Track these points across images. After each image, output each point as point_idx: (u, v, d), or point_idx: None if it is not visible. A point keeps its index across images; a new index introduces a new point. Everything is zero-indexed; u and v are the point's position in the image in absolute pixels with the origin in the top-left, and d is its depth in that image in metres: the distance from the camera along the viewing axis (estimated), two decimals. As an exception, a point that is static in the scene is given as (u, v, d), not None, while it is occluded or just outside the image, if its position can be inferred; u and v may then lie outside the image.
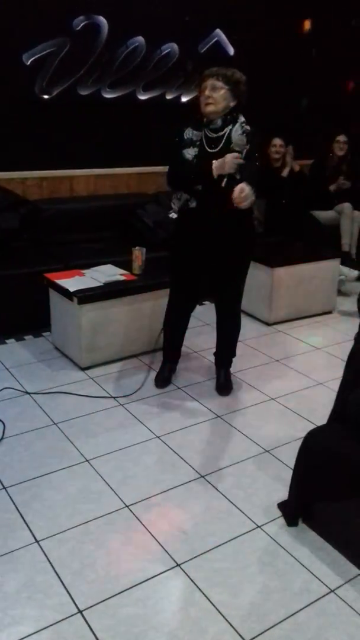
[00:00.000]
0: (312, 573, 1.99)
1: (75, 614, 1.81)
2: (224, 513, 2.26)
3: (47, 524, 2.18)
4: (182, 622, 1.79)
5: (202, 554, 2.06)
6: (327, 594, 1.91)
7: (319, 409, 3.00)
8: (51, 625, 1.77)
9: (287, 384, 3.32)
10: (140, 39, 4.52)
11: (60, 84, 4.31)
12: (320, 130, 5.57)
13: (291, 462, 2.26)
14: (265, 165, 4.95)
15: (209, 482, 2.44)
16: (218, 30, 4.87)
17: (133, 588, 1.91)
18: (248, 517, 2.24)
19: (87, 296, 3.28)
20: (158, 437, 2.77)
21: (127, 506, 2.29)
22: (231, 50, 4.97)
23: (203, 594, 1.89)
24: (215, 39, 4.88)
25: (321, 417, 2.75)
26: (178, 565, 2.01)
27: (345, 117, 5.75)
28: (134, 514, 2.24)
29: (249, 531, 2.17)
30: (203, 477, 2.48)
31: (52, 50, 4.20)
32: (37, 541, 2.10)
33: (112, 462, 2.56)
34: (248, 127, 2.78)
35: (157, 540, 2.11)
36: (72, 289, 3.30)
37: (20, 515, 2.23)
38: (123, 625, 1.77)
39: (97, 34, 4.34)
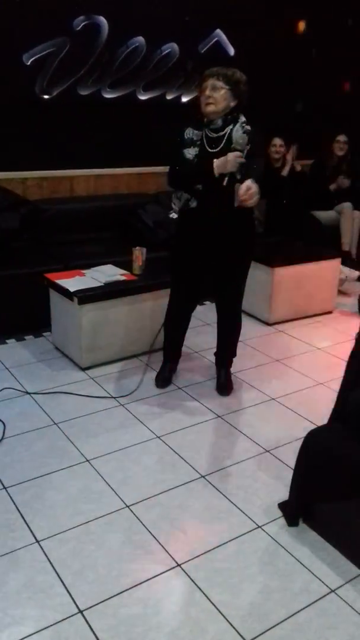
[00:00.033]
0: (312, 573, 1.99)
1: (75, 614, 1.81)
2: (224, 513, 2.26)
3: (48, 524, 2.18)
4: (182, 622, 1.79)
5: (202, 554, 2.06)
6: (327, 594, 1.91)
7: (320, 409, 3.00)
8: (52, 625, 1.77)
9: (288, 384, 3.32)
10: (140, 39, 4.52)
11: (60, 84, 4.31)
12: (320, 130, 5.57)
13: (292, 462, 2.26)
14: (265, 165, 4.95)
15: (210, 482, 2.44)
16: (218, 31, 4.87)
17: (134, 588, 1.91)
18: (248, 517, 2.24)
19: (87, 296, 3.28)
20: (158, 437, 2.77)
21: (127, 506, 2.29)
22: (231, 51, 4.97)
23: (203, 594, 1.89)
24: (216, 39, 4.88)
25: (322, 417, 2.75)
26: (178, 565, 2.01)
27: (344, 117, 5.75)
28: (134, 514, 2.24)
29: (250, 531, 2.17)
30: (203, 477, 2.48)
31: (52, 51, 4.20)
32: (37, 541, 2.10)
33: (113, 462, 2.56)
34: (249, 127, 2.78)
35: (157, 540, 2.12)
36: (72, 289, 3.30)
37: (21, 515, 2.23)
38: (123, 626, 1.77)
39: (97, 34, 4.34)
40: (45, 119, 4.33)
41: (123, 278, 3.52)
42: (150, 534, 2.15)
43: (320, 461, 2.06)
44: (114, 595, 1.88)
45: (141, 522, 2.20)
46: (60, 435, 2.76)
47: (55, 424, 2.85)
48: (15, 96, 4.17)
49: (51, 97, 4.32)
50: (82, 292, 3.29)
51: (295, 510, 2.20)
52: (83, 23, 4.26)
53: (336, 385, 2.35)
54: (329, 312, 4.44)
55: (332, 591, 1.92)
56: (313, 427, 2.32)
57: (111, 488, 2.39)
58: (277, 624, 1.79)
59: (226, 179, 2.74)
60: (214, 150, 2.78)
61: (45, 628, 1.76)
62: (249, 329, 3.93)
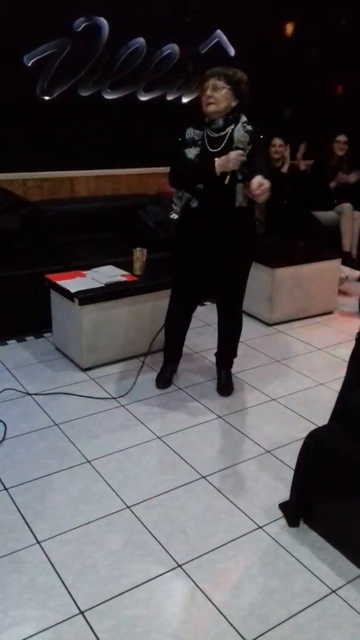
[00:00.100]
0: (313, 573, 1.99)
1: (76, 614, 1.81)
2: (225, 514, 2.26)
3: (49, 525, 2.19)
4: (183, 622, 1.79)
5: (203, 554, 2.06)
6: (328, 594, 1.91)
7: (320, 409, 3.00)
8: (52, 626, 1.77)
9: (288, 385, 3.32)
10: (141, 40, 4.52)
11: (61, 85, 4.32)
12: (320, 130, 5.58)
13: (292, 462, 2.26)
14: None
15: (210, 483, 2.44)
16: (219, 31, 4.87)
17: (134, 589, 1.91)
18: (249, 518, 2.24)
19: (88, 297, 3.29)
20: (159, 437, 2.77)
21: (128, 507, 2.29)
22: (232, 51, 4.97)
23: (204, 594, 1.90)
24: (216, 39, 4.89)
25: (322, 417, 2.75)
26: (179, 566, 2.01)
27: (344, 117, 5.75)
28: (135, 515, 2.25)
29: (250, 532, 2.17)
30: (204, 477, 2.48)
31: (53, 52, 4.21)
32: (38, 542, 2.10)
33: (113, 463, 2.56)
34: (250, 127, 2.78)
35: (158, 541, 2.12)
36: (73, 290, 3.30)
37: (22, 516, 2.23)
38: (124, 626, 1.77)
39: (98, 35, 4.35)
40: (46, 120, 4.33)
41: (124, 279, 3.52)
42: (151, 534, 2.15)
43: (321, 461, 2.06)
44: (115, 596, 1.88)
45: (142, 523, 2.21)
46: (61, 436, 2.76)
47: (56, 424, 2.86)
48: (16, 97, 4.18)
49: (52, 98, 4.33)
50: (83, 293, 3.30)
51: (295, 510, 2.20)
52: (84, 24, 4.27)
53: (337, 386, 2.35)
54: (330, 313, 4.44)
55: (333, 591, 1.92)
56: (313, 427, 2.32)
57: (112, 489, 2.39)
58: (278, 625, 1.79)
59: (228, 177, 2.74)
60: (215, 150, 2.78)
61: (46, 629, 1.76)
62: (249, 329, 3.93)
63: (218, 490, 2.40)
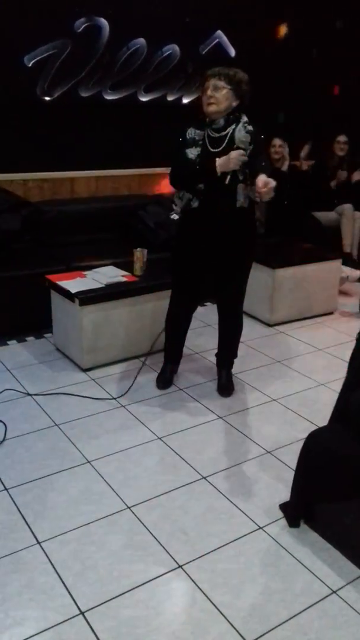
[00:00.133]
0: (313, 574, 1.99)
1: (77, 615, 1.81)
2: (225, 514, 2.26)
3: (49, 525, 2.18)
4: (184, 623, 1.79)
5: (203, 555, 2.06)
6: (329, 595, 1.91)
7: (321, 410, 3.00)
8: (53, 626, 1.77)
9: (289, 385, 3.32)
10: (141, 40, 4.53)
11: (61, 86, 4.32)
12: (319, 130, 5.58)
13: (293, 463, 2.26)
14: None
15: (211, 483, 2.44)
16: (219, 32, 4.87)
17: (135, 589, 1.91)
18: (250, 518, 2.24)
19: (88, 297, 3.29)
20: (159, 438, 2.77)
21: (128, 507, 2.29)
22: (232, 52, 4.98)
23: (205, 595, 1.89)
24: (217, 40, 4.89)
25: (323, 418, 2.75)
26: (180, 566, 2.01)
27: (345, 117, 5.75)
28: (135, 515, 2.25)
29: (251, 532, 2.17)
30: (204, 478, 2.48)
31: (54, 52, 4.21)
32: (38, 542, 2.10)
33: (114, 464, 2.56)
34: (251, 127, 2.78)
35: (158, 542, 2.11)
36: (73, 291, 3.31)
37: (22, 516, 2.23)
38: (125, 627, 1.77)
39: (98, 36, 4.35)
40: (46, 120, 4.34)
41: (124, 279, 3.52)
42: (151, 535, 2.15)
43: (322, 462, 2.06)
44: (115, 597, 1.88)
45: (142, 524, 2.20)
46: (61, 437, 2.76)
47: (56, 425, 2.86)
48: (16, 98, 4.18)
49: (52, 99, 4.33)
50: (83, 293, 3.30)
51: (296, 511, 2.20)
52: (84, 25, 4.27)
53: (337, 386, 2.35)
54: (330, 313, 4.44)
55: (334, 592, 1.92)
56: (314, 428, 2.33)
57: (112, 489, 2.39)
58: (279, 625, 1.79)
59: (228, 177, 2.74)
60: (216, 150, 2.78)
61: (47, 629, 1.76)
62: (250, 330, 3.93)
63: (218, 490, 2.40)
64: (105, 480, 2.44)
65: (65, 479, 2.45)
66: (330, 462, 2.04)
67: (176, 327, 3.21)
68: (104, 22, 4.33)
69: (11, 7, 3.99)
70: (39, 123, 4.32)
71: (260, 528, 2.19)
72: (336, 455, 2.03)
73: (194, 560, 2.03)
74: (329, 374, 3.45)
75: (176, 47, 4.69)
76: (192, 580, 1.95)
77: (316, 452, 2.08)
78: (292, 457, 2.50)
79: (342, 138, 5.45)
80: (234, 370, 3.31)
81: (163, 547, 2.09)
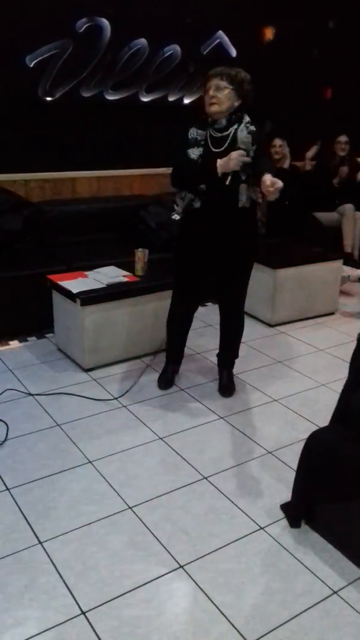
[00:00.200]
0: (315, 574, 1.99)
1: (78, 615, 1.81)
2: (226, 514, 2.27)
3: (51, 525, 2.19)
4: (185, 623, 1.80)
5: (205, 555, 2.06)
6: (330, 595, 1.91)
7: (322, 410, 3.00)
8: (54, 626, 1.77)
9: (290, 386, 3.32)
10: (142, 40, 4.53)
11: (63, 86, 4.33)
12: (320, 131, 5.58)
13: (294, 463, 2.26)
14: None
15: (212, 484, 2.45)
16: (220, 32, 4.87)
17: (136, 589, 1.91)
18: (251, 519, 2.24)
19: (90, 298, 3.29)
20: (161, 438, 2.77)
21: (130, 507, 2.29)
22: (233, 52, 4.98)
23: (206, 595, 1.90)
24: (218, 40, 4.89)
25: (324, 418, 2.75)
26: (181, 566, 2.01)
27: (345, 117, 5.75)
28: (137, 516, 2.25)
29: (252, 532, 2.17)
30: (206, 478, 2.48)
31: (55, 52, 4.21)
32: (40, 542, 2.10)
33: (115, 464, 2.56)
34: (253, 127, 2.78)
35: (160, 542, 2.12)
36: (75, 291, 3.31)
37: (24, 516, 2.23)
38: (126, 627, 1.78)
39: (100, 36, 4.35)
40: (47, 120, 4.34)
41: (125, 279, 3.52)
42: (152, 535, 2.15)
43: (323, 462, 2.06)
44: (117, 597, 1.88)
45: (144, 524, 2.21)
46: (63, 437, 2.76)
47: (58, 425, 2.86)
48: (18, 98, 4.18)
49: (54, 99, 4.34)
50: (85, 293, 3.30)
51: (297, 511, 2.20)
52: (86, 25, 4.27)
53: (338, 387, 2.35)
54: (332, 314, 4.44)
55: (335, 592, 1.92)
56: (315, 428, 2.33)
57: (114, 489, 2.40)
58: (280, 626, 1.79)
59: (229, 178, 2.74)
60: (218, 150, 2.78)
61: (48, 629, 1.76)
62: (251, 330, 3.93)
63: (220, 491, 2.40)
64: (106, 481, 2.45)
65: (66, 479, 2.45)
66: (331, 462, 2.05)
67: (177, 327, 3.21)
68: (105, 22, 4.33)
69: (13, 7, 3.99)
70: (41, 123, 4.32)
71: (261, 528, 2.20)
72: (337, 455, 2.04)
73: (195, 560, 2.04)
74: (330, 374, 3.45)
75: (177, 48, 4.69)
76: (193, 581, 1.95)
77: (317, 453, 2.09)
78: (293, 457, 2.50)
79: (342, 138, 5.46)
80: (235, 371, 3.31)
81: (164, 547, 2.09)
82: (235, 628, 1.78)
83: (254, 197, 2.85)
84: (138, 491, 2.39)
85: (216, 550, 2.08)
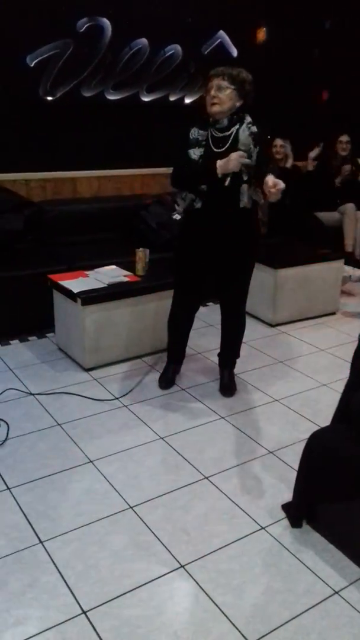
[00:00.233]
0: (316, 574, 1.99)
1: (79, 614, 1.81)
2: (227, 514, 2.26)
3: (51, 524, 2.19)
4: (186, 623, 1.79)
5: (206, 555, 2.06)
6: (331, 595, 1.91)
7: (323, 410, 3.00)
8: (55, 625, 1.77)
9: (291, 386, 3.32)
10: (143, 40, 4.53)
11: (64, 86, 4.33)
12: (319, 130, 5.58)
13: (295, 463, 2.26)
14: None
15: (213, 484, 2.44)
16: (221, 32, 4.87)
17: (137, 589, 1.91)
18: (252, 519, 2.24)
19: (90, 297, 3.29)
20: (162, 438, 2.77)
21: (131, 507, 2.29)
22: (234, 52, 4.97)
23: (207, 595, 1.89)
24: (219, 40, 4.89)
25: (325, 418, 2.75)
26: (182, 566, 2.01)
27: (346, 117, 5.75)
28: (137, 515, 2.25)
29: (253, 532, 2.17)
30: (207, 478, 2.48)
31: (56, 52, 4.21)
32: (41, 542, 2.10)
33: (116, 463, 2.56)
34: (254, 128, 2.78)
35: (160, 542, 2.12)
36: (75, 290, 3.31)
37: (25, 516, 2.23)
38: (127, 626, 1.77)
39: (101, 36, 4.36)
40: (48, 120, 4.34)
41: (126, 279, 3.52)
42: (153, 535, 2.15)
43: (324, 462, 2.06)
44: (118, 596, 1.88)
45: (144, 523, 2.21)
46: (63, 436, 2.76)
47: (58, 424, 2.86)
48: (19, 97, 4.19)
49: (55, 99, 4.34)
50: (86, 293, 3.30)
51: (298, 511, 2.20)
52: (86, 25, 4.27)
53: (340, 387, 2.35)
54: (333, 314, 4.43)
55: (336, 593, 1.92)
56: (316, 428, 2.32)
57: (114, 489, 2.39)
58: (281, 626, 1.79)
59: (228, 179, 2.73)
60: (220, 150, 2.77)
61: (49, 629, 1.76)
62: (252, 330, 3.93)
63: (221, 490, 2.40)
64: (107, 480, 2.45)
65: (67, 479, 2.45)
66: (332, 462, 2.04)
67: (179, 327, 3.21)
68: (106, 22, 4.34)
69: (13, 7, 3.99)
70: (41, 123, 4.32)
71: (262, 528, 2.19)
72: (338, 455, 2.03)
73: (196, 560, 2.03)
74: (331, 374, 3.44)
75: (178, 47, 4.69)
76: (194, 580, 1.95)
77: (318, 453, 2.08)
78: (294, 457, 2.50)
79: (344, 138, 5.46)
80: (236, 371, 3.31)
81: (165, 547, 2.09)
82: (236, 628, 1.78)
83: (256, 198, 2.84)
84: (139, 491, 2.38)
85: (217, 550, 2.08)
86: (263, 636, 1.76)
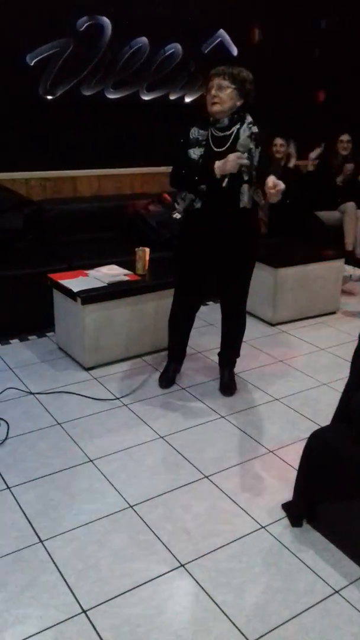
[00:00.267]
0: (316, 574, 1.98)
1: (79, 613, 1.81)
2: (227, 513, 2.26)
3: (51, 524, 2.19)
4: (186, 622, 1.79)
5: (206, 554, 2.06)
6: (331, 594, 1.91)
7: (323, 409, 3.00)
8: (55, 625, 1.77)
9: (291, 385, 3.31)
10: (143, 39, 4.52)
11: (64, 85, 4.33)
12: (319, 130, 5.57)
13: (295, 462, 2.26)
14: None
15: (213, 483, 2.44)
16: (221, 31, 4.87)
17: (137, 588, 1.91)
18: (252, 518, 2.24)
19: (90, 296, 3.29)
20: (162, 437, 2.77)
21: (131, 506, 2.29)
22: (234, 51, 4.97)
23: (207, 594, 1.89)
24: (219, 39, 4.88)
25: (325, 417, 2.75)
26: (182, 565, 2.01)
27: (346, 117, 5.74)
28: (137, 514, 2.24)
29: (253, 532, 2.17)
30: (207, 477, 2.48)
31: (56, 51, 4.21)
32: (41, 541, 2.10)
33: (116, 462, 2.56)
34: (255, 129, 2.77)
35: (161, 541, 2.11)
36: (75, 290, 3.31)
37: (24, 515, 2.23)
38: (127, 625, 1.77)
39: (101, 35, 4.35)
40: (48, 119, 4.34)
41: (126, 278, 3.52)
42: (153, 534, 2.15)
43: (324, 462, 2.06)
44: (118, 595, 1.88)
45: (144, 522, 2.20)
46: (63, 435, 2.76)
47: (58, 424, 2.86)
48: (19, 96, 4.18)
49: (55, 98, 4.33)
50: (86, 292, 3.30)
51: (299, 510, 2.20)
52: (86, 24, 4.27)
53: (340, 386, 2.35)
54: (333, 313, 4.43)
55: (336, 592, 1.92)
56: (317, 427, 2.32)
57: (114, 488, 2.39)
58: (281, 625, 1.79)
59: (226, 180, 2.72)
60: (221, 150, 2.77)
61: (49, 628, 1.76)
62: (252, 329, 3.93)
63: (221, 490, 2.40)
64: (107, 479, 2.44)
65: (67, 478, 2.45)
66: (332, 461, 2.04)
67: (179, 327, 3.21)
68: (106, 21, 4.33)
69: (13, 6, 3.99)
70: (41, 122, 4.32)
71: (262, 527, 2.19)
72: (339, 454, 2.03)
73: (196, 559, 2.03)
74: (331, 373, 3.44)
75: (178, 46, 4.69)
76: (194, 580, 1.95)
77: (318, 452, 2.08)
78: (294, 456, 2.50)
79: (345, 137, 5.45)
80: (236, 370, 3.31)
81: (165, 546, 2.09)
82: (236, 627, 1.78)
83: (257, 199, 2.84)
84: (139, 490, 2.38)
85: (217, 549, 2.08)
86: (263, 635, 1.76)
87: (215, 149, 2.78)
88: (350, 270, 4.70)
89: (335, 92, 5.84)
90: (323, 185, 5.44)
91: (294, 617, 1.82)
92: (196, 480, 2.45)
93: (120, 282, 3.46)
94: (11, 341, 3.78)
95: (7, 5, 3.97)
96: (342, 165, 5.43)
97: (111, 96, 4.56)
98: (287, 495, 2.30)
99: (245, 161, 2.70)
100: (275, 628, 1.78)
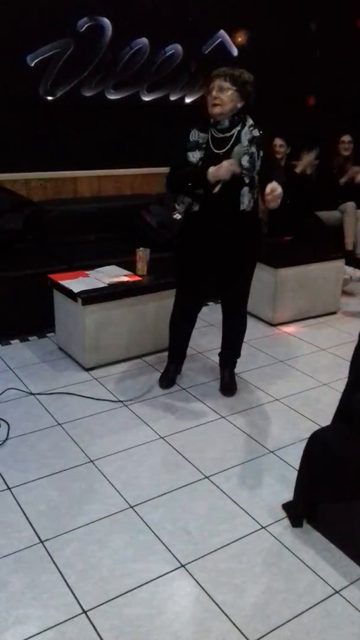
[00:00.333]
0: (316, 574, 1.98)
1: (79, 614, 1.81)
2: (228, 514, 2.26)
3: (52, 524, 2.19)
4: (186, 622, 1.79)
5: (206, 554, 2.06)
6: (331, 595, 1.91)
7: (324, 409, 3.00)
8: (55, 625, 1.77)
9: (292, 385, 3.31)
10: (144, 40, 4.53)
11: (64, 85, 4.33)
12: (317, 130, 5.57)
13: (296, 463, 2.26)
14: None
15: (213, 483, 2.44)
16: (222, 31, 4.87)
17: (137, 588, 1.91)
18: (252, 518, 2.24)
19: (91, 297, 3.29)
20: (162, 437, 2.77)
21: (131, 507, 2.29)
22: (235, 51, 4.97)
23: (207, 594, 1.89)
24: (219, 39, 4.88)
25: (326, 418, 2.75)
26: (182, 565, 2.01)
27: (348, 117, 5.74)
28: (138, 515, 2.24)
29: (254, 532, 2.17)
30: (207, 477, 2.48)
31: (57, 52, 4.21)
32: (41, 541, 2.10)
33: (117, 463, 2.56)
34: (256, 132, 2.76)
35: (161, 541, 2.11)
36: (76, 290, 3.31)
37: (25, 515, 2.23)
38: (127, 626, 1.77)
39: (101, 35, 4.35)
40: (49, 120, 4.34)
41: (127, 279, 3.52)
42: (154, 534, 2.15)
43: (324, 462, 2.06)
44: (118, 596, 1.88)
45: (145, 523, 2.20)
46: (64, 436, 2.76)
47: (59, 424, 2.86)
48: (19, 97, 4.18)
49: (55, 98, 4.33)
50: (86, 292, 3.30)
51: (299, 511, 2.20)
52: (87, 24, 4.27)
53: (340, 386, 2.35)
54: (333, 313, 4.43)
55: (337, 592, 1.92)
56: (317, 427, 2.32)
57: (115, 488, 2.39)
58: (281, 625, 1.79)
59: (218, 186, 2.70)
60: (221, 151, 2.76)
61: (49, 628, 1.76)
62: (252, 329, 3.92)
63: (221, 490, 2.40)
64: (108, 480, 2.44)
65: (68, 478, 2.45)
66: (333, 462, 2.04)
67: (180, 327, 3.21)
68: (106, 21, 4.33)
69: (14, 7, 3.99)
70: (42, 123, 4.32)
71: (263, 528, 2.19)
72: (339, 455, 2.03)
73: (196, 559, 2.03)
74: (331, 373, 3.44)
75: (179, 47, 4.69)
76: (195, 580, 1.95)
77: (319, 452, 2.08)
78: (295, 456, 2.50)
79: (346, 138, 5.45)
80: (236, 370, 3.31)
81: (166, 547, 2.09)
82: (237, 627, 1.78)
83: (259, 204, 2.83)
84: (139, 490, 2.38)
85: (217, 549, 2.08)
86: (263, 635, 1.76)
87: (216, 151, 2.78)
88: (350, 272, 4.70)
89: (336, 92, 5.84)
90: (323, 186, 5.44)
91: (294, 617, 1.82)
92: (196, 481, 2.45)
93: (120, 283, 3.46)
94: (11, 342, 3.79)
95: (7, 6, 3.97)
96: (343, 166, 5.42)
97: (111, 97, 4.56)
98: (288, 495, 2.30)
99: (238, 170, 2.68)
100: (275, 628, 1.78)
